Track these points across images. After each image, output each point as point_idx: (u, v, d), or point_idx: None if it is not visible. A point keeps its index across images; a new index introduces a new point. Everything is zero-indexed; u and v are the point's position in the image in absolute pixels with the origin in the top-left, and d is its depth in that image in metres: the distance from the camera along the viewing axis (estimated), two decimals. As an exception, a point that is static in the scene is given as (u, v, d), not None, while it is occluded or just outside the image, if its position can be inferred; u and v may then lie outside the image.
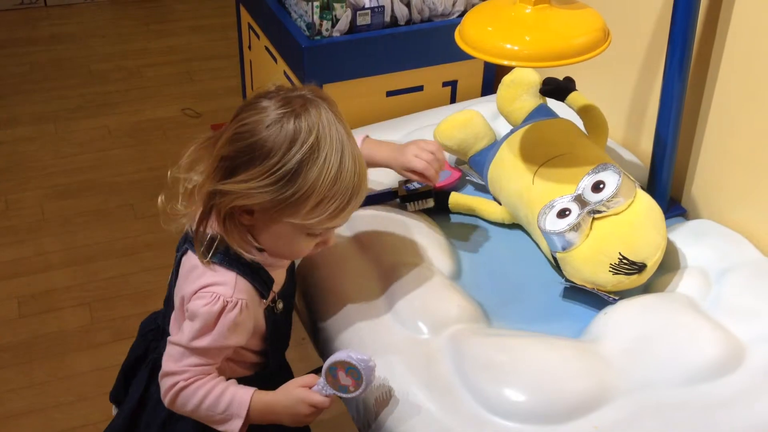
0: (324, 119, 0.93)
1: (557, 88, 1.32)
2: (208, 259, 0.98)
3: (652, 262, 1.09)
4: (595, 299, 1.12)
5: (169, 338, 1.01)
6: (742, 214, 1.23)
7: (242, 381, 1.04)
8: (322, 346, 1.14)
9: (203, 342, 0.98)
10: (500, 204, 1.28)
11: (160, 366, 1.10)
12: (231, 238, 0.97)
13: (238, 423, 0.99)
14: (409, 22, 1.57)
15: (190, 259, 1.02)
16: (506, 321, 1.10)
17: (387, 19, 1.54)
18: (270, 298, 1.04)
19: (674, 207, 1.31)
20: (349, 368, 0.97)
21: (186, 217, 1.01)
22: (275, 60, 1.68)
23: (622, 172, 1.11)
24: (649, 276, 1.10)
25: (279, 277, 1.06)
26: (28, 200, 2.39)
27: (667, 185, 1.26)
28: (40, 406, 1.76)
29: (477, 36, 1.05)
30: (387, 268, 1.14)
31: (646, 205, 1.11)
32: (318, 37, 1.50)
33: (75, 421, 1.73)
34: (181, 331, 0.99)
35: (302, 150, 0.90)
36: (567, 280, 1.14)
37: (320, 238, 0.99)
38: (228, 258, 0.99)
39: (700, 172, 1.30)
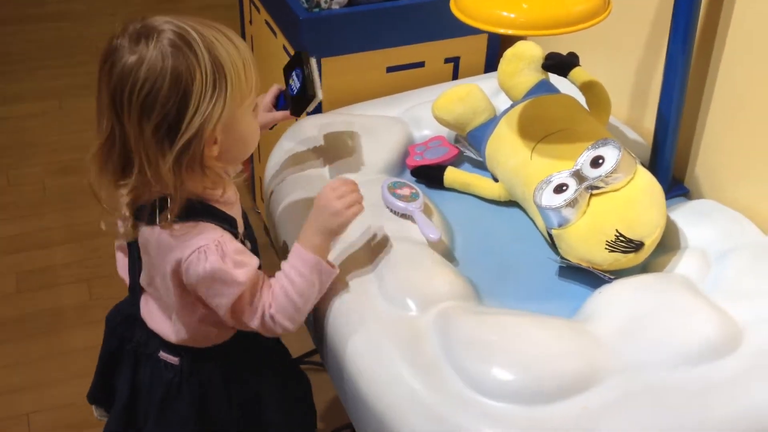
0: (171, 19, 0.93)
1: (560, 63, 1.28)
2: (169, 220, 0.94)
3: (651, 240, 1.05)
4: (590, 278, 1.09)
5: (222, 313, 0.98)
6: (746, 195, 1.19)
7: (224, 344, 1.07)
8: (310, 318, 1.12)
9: (240, 276, 0.96)
10: (497, 181, 1.25)
11: (142, 353, 1.10)
12: (209, 179, 0.96)
13: (325, 266, 1.01)
14: (411, -5, 1.53)
15: (155, 235, 0.97)
16: (498, 299, 1.07)
17: (388, -8, 1.50)
18: (238, 238, 1.01)
19: (676, 186, 1.27)
20: (395, 183, 1.17)
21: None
22: (275, 34, 1.65)
23: (623, 147, 1.07)
24: (646, 255, 1.07)
25: (237, 217, 1.04)
26: (30, 176, 2.38)
27: (670, 164, 1.22)
28: (35, 383, 1.76)
29: (472, 3, 1.02)
30: (378, 242, 1.11)
31: (646, 182, 1.08)
32: (316, 10, 1.47)
33: (70, 398, 1.71)
34: (218, 304, 0.97)
35: (201, 47, 0.90)
36: (563, 259, 1.11)
37: (256, 111, 1.02)
38: (186, 214, 0.96)
39: (704, 152, 1.26)
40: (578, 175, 1.08)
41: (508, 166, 1.20)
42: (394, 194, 1.16)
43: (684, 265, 1.07)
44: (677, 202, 1.23)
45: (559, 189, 1.08)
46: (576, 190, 1.06)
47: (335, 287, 1.07)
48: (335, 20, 1.47)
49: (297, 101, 1.20)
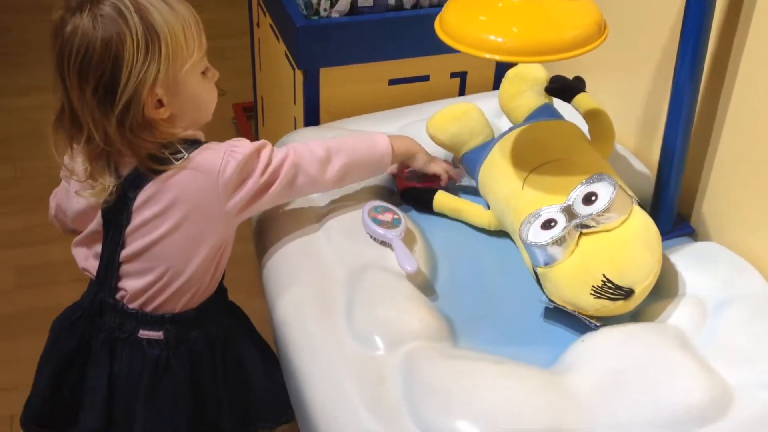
0: None
1: (564, 88, 1.21)
2: (187, 156, 1.00)
3: (641, 288, 0.97)
4: (578, 323, 1.01)
5: (251, 187, 1.03)
6: (756, 241, 1.09)
7: (206, 309, 1.10)
8: (275, 338, 1.07)
9: (259, 141, 1.06)
10: (488, 208, 1.18)
11: (117, 339, 1.08)
12: (158, 140, 1.00)
13: (383, 139, 1.14)
14: (417, 6, 1.46)
15: (171, 180, 1.00)
16: (475, 340, 1.00)
17: (392, 1, 1.44)
18: None
19: (681, 225, 1.18)
20: (378, 207, 1.12)
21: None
22: (278, 39, 1.60)
23: (618, 185, 0.99)
24: (637, 303, 0.99)
25: None
26: (39, 169, 2.35)
27: (674, 200, 1.14)
28: (24, 383, 1.71)
29: (457, 25, 0.95)
30: (352, 270, 1.05)
31: (640, 224, 1.00)
32: (315, 18, 1.41)
33: (55, 401, 1.68)
34: (252, 180, 1.03)
35: (132, 12, 0.95)
36: (550, 300, 1.03)
37: (210, 75, 1.06)
38: (185, 148, 1.01)
39: (713, 189, 1.16)
40: (569, 212, 1.01)
41: (499, 194, 1.13)
42: (374, 219, 1.10)
43: (678, 314, 0.99)
44: (680, 242, 1.14)
45: (548, 225, 1.01)
46: (564, 228, 0.99)
47: (301, 315, 1.01)
48: (334, 29, 1.41)
49: None
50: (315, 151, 1.09)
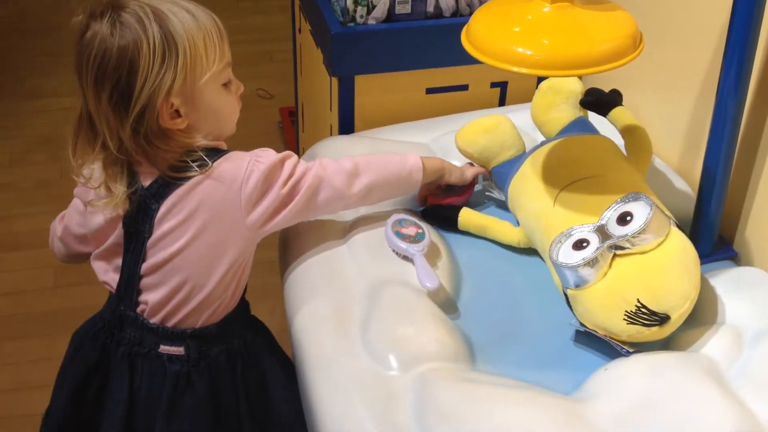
0: None
1: (600, 101, 1.16)
2: (211, 164, 0.99)
3: (678, 314, 0.92)
4: (608, 349, 0.96)
5: (273, 199, 1.01)
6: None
7: (228, 325, 1.08)
8: (292, 351, 1.06)
9: (285, 152, 1.04)
10: (518, 224, 1.13)
11: (137, 353, 1.07)
12: (181, 144, 0.98)
13: (414, 156, 1.11)
14: (456, 14, 1.43)
15: (196, 191, 0.99)
16: (495, 364, 0.96)
17: (430, 9, 1.40)
18: None
19: (723, 248, 1.12)
20: (402, 221, 1.09)
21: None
22: (317, 46, 1.58)
23: (655, 205, 0.95)
24: (673, 329, 0.94)
25: None
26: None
27: (715, 222, 1.08)
28: (57, 381, 1.74)
29: (484, 37, 0.91)
30: (372, 284, 1.03)
31: (678, 247, 0.94)
32: (351, 24, 1.38)
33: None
34: (273, 190, 1.00)
35: (151, 20, 0.94)
36: (581, 323, 0.99)
37: (234, 88, 1.04)
38: (208, 156, 1.00)
39: (758, 211, 1.10)
40: (602, 232, 0.96)
41: (529, 210, 1.09)
42: (397, 233, 1.07)
43: (713, 344, 0.94)
44: (722, 266, 1.08)
45: (579, 245, 0.96)
46: (597, 249, 0.94)
47: (317, 329, 0.99)
48: (370, 37, 1.38)
49: None
50: (343, 165, 1.06)
